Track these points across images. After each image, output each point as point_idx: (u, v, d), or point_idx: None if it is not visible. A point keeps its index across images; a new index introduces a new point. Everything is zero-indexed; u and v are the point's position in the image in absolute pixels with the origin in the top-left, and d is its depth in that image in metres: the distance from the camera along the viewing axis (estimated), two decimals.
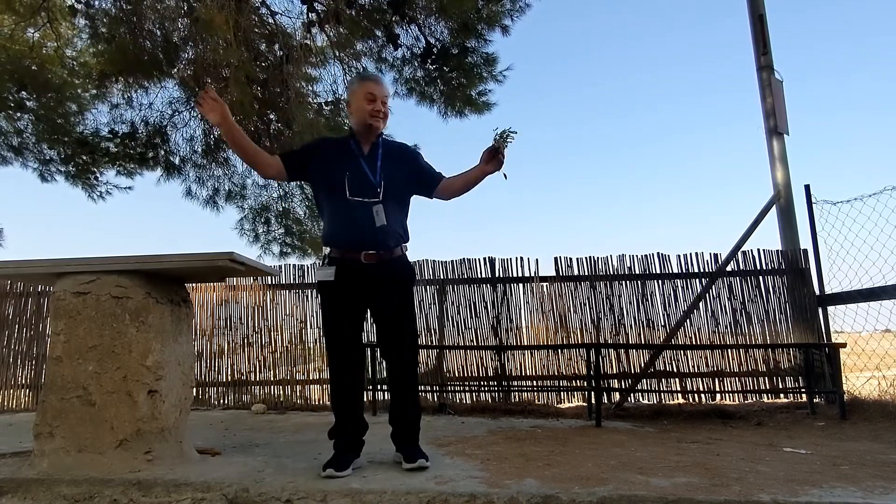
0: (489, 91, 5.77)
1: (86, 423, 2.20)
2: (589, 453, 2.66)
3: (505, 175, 2.42)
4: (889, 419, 3.62)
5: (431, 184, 2.52)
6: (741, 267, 5.15)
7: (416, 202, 2.57)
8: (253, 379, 5.26)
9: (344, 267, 2.34)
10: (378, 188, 2.35)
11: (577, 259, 5.25)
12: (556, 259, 5.27)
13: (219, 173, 6.97)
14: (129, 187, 6.90)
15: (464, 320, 5.19)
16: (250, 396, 5.19)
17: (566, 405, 4.90)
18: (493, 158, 2.39)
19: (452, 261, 5.29)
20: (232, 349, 5.32)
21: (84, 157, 6.50)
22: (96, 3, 5.45)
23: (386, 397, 4.84)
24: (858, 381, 4.39)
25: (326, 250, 2.41)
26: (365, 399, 2.95)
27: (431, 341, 5.14)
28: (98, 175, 6.74)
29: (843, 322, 4.71)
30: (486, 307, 5.21)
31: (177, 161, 6.73)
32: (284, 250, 7.19)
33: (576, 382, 4.94)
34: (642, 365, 4.96)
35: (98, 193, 6.85)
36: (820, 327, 4.89)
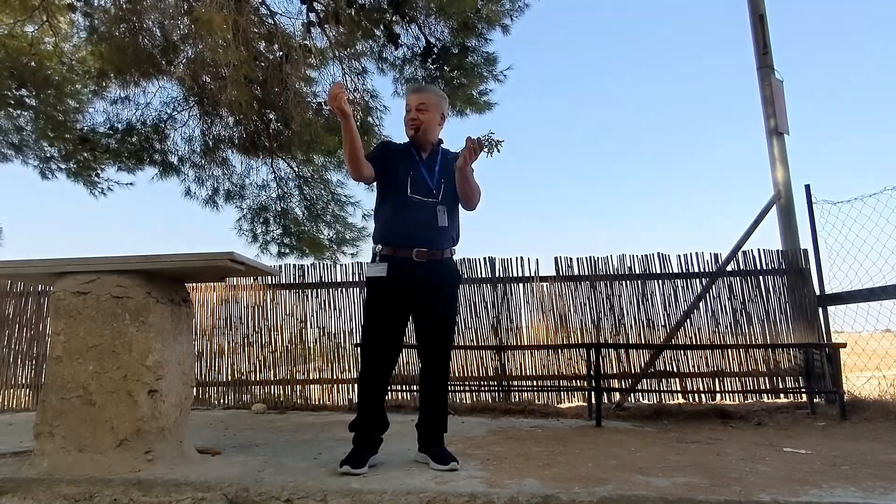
0: (490, 90, 5.79)
1: (86, 423, 2.20)
2: (589, 453, 2.66)
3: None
4: (889, 419, 3.63)
5: None
6: (741, 267, 5.14)
7: None
8: (253, 378, 5.26)
9: (395, 265, 2.38)
10: (436, 190, 2.44)
11: (578, 259, 5.25)
12: (556, 259, 5.28)
13: (217, 173, 6.98)
14: (131, 183, 6.91)
15: (464, 320, 5.19)
16: (250, 396, 5.19)
17: (566, 405, 4.90)
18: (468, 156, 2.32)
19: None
20: (232, 349, 5.32)
21: (85, 154, 6.50)
22: (95, 1, 5.45)
23: (388, 396, 4.86)
24: (859, 381, 4.39)
25: (379, 247, 2.45)
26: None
27: None
28: (99, 171, 6.74)
29: (843, 322, 4.73)
30: (486, 307, 5.21)
31: (174, 160, 6.73)
32: (282, 250, 7.20)
33: (576, 382, 4.94)
34: (642, 365, 4.96)
35: (100, 189, 6.86)
36: (820, 327, 4.89)
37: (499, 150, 2.28)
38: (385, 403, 2.53)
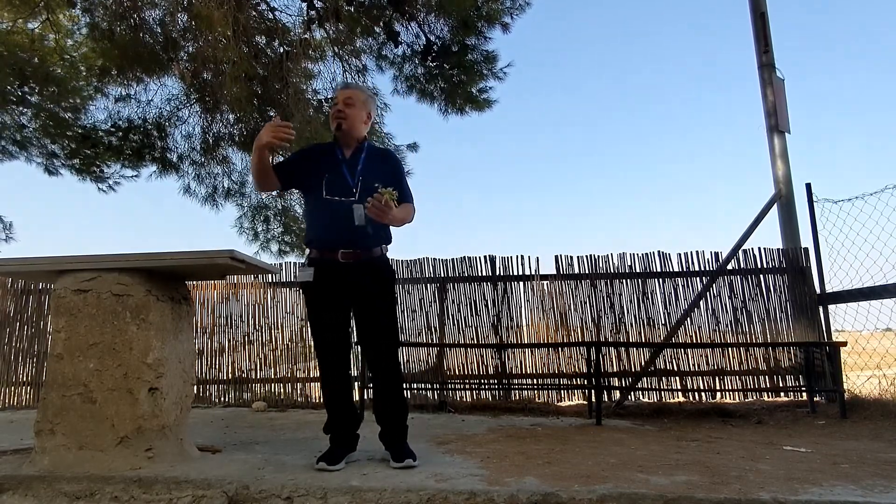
0: (490, 88, 5.78)
1: (87, 421, 2.21)
2: (589, 451, 2.66)
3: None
4: (889, 418, 3.62)
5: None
6: (742, 265, 5.14)
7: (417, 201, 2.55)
8: (253, 376, 5.26)
9: (322, 267, 2.37)
10: (354, 189, 2.38)
11: (578, 257, 5.25)
12: (556, 257, 5.27)
13: (217, 171, 6.98)
14: (136, 175, 6.92)
15: (464, 318, 5.19)
16: (251, 394, 5.20)
17: (566, 403, 4.91)
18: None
19: (453, 259, 5.29)
20: (233, 347, 5.32)
21: (88, 151, 6.51)
22: None
23: None
24: (859, 379, 4.39)
25: (307, 251, 2.46)
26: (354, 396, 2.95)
27: (432, 339, 5.14)
28: (104, 168, 6.75)
29: (843, 321, 4.72)
30: (486, 305, 5.21)
31: (174, 158, 6.73)
32: (283, 248, 7.20)
33: (576, 381, 4.94)
34: (643, 363, 4.96)
35: (108, 185, 6.87)
36: (821, 326, 4.89)
37: (395, 202, 2.24)
38: (354, 401, 2.53)
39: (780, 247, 5.26)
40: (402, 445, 2.36)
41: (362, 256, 2.38)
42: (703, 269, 5.15)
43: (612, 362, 4.98)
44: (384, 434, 2.44)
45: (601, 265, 5.23)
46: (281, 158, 2.80)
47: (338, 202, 2.37)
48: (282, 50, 5.35)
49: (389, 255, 2.54)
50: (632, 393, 4.89)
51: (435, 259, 5.30)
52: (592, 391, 4.11)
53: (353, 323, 2.49)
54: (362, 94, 2.54)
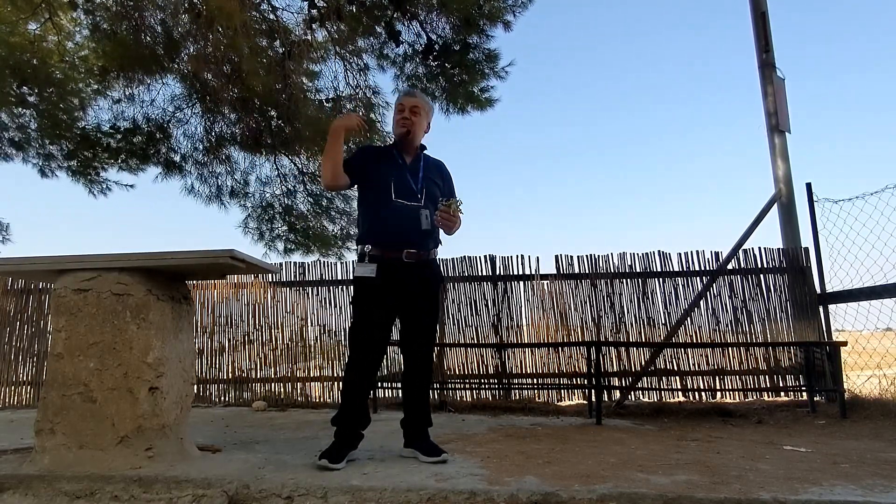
0: (491, 87, 5.76)
1: (87, 420, 2.21)
2: (589, 451, 2.66)
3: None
4: (889, 418, 3.62)
5: None
6: (742, 265, 5.14)
7: None
8: (254, 376, 5.26)
9: (384, 265, 2.44)
10: (419, 195, 2.53)
11: (578, 257, 5.26)
12: (556, 257, 5.28)
13: (221, 171, 6.98)
14: (132, 185, 6.92)
15: (464, 318, 5.19)
16: (251, 393, 5.20)
17: (567, 403, 4.91)
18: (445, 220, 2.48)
19: (453, 258, 5.30)
20: (233, 346, 5.33)
21: (86, 153, 6.50)
22: None
23: (385, 394, 4.87)
24: (859, 379, 4.39)
25: (367, 248, 2.48)
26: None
27: None
28: (100, 171, 6.75)
29: (843, 320, 4.72)
30: (486, 305, 5.21)
31: (177, 158, 6.73)
32: (289, 247, 7.20)
33: (576, 380, 4.94)
34: (643, 363, 4.96)
35: (99, 189, 6.86)
36: (821, 326, 4.89)
37: (462, 212, 2.47)
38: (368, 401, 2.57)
39: (781, 246, 5.26)
40: (430, 441, 2.46)
41: (423, 257, 2.50)
42: (703, 268, 5.15)
43: (612, 362, 4.98)
44: (414, 432, 2.50)
45: (601, 265, 5.23)
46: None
47: (405, 205, 2.49)
48: (283, 50, 5.34)
49: None
50: (632, 392, 4.89)
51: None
52: (592, 391, 4.11)
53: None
54: (427, 104, 2.65)
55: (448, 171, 2.75)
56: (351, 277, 5.35)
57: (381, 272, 2.43)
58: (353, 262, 2.56)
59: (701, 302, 5.06)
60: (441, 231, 2.58)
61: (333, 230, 7.19)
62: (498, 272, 5.27)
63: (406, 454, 2.47)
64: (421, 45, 5.58)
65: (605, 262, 5.23)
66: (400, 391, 4.95)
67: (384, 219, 2.48)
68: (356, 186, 2.63)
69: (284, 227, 7.18)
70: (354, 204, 7.12)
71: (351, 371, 2.45)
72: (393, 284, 2.44)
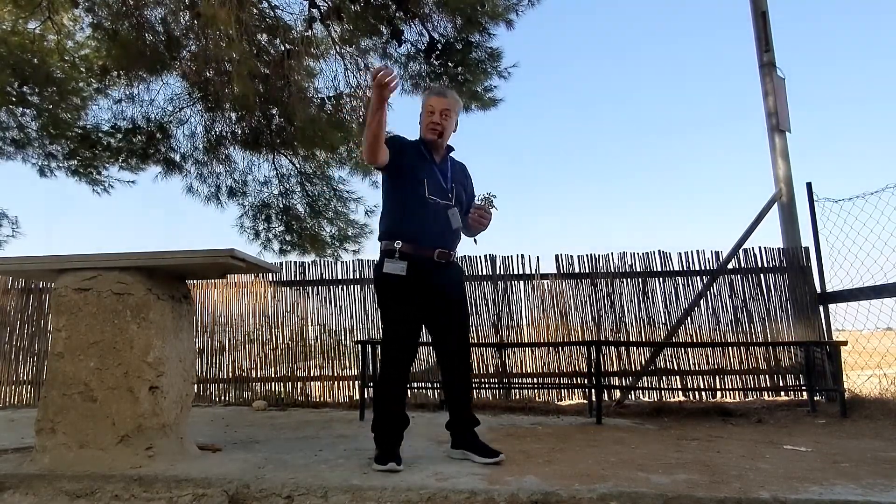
0: (495, 87, 5.76)
1: (87, 419, 2.21)
2: (589, 450, 2.66)
3: (475, 241, 2.72)
4: (889, 417, 3.62)
5: (467, 211, 2.61)
6: (742, 265, 5.14)
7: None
8: (254, 375, 5.26)
9: (415, 262, 2.38)
10: (450, 194, 2.51)
11: (579, 256, 5.25)
12: (557, 256, 5.27)
13: (220, 170, 6.98)
14: (133, 181, 6.93)
15: None
16: (251, 393, 5.20)
17: (567, 402, 4.90)
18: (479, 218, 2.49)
19: None
20: (233, 345, 5.32)
21: (86, 153, 6.51)
22: None
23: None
24: (859, 379, 4.38)
25: (397, 244, 2.38)
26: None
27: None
28: (101, 170, 6.75)
29: (843, 320, 4.72)
30: (487, 304, 5.20)
31: (177, 158, 6.74)
32: (284, 248, 7.20)
33: (576, 380, 4.94)
34: (643, 362, 4.96)
35: (102, 187, 6.88)
36: (821, 325, 4.88)
37: (495, 207, 2.49)
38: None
39: (781, 246, 5.25)
40: (484, 443, 2.41)
41: (451, 258, 2.49)
42: (703, 268, 5.14)
43: (612, 361, 4.98)
44: (468, 434, 2.44)
45: (601, 264, 5.22)
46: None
47: (437, 203, 2.45)
48: (283, 49, 5.34)
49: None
50: (632, 392, 4.89)
51: None
52: (593, 390, 4.11)
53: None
54: (458, 104, 2.59)
55: (469, 173, 2.72)
56: (352, 277, 5.36)
57: (411, 270, 2.36)
58: (378, 259, 2.47)
59: (701, 301, 5.06)
60: (461, 231, 2.56)
61: (332, 231, 7.19)
62: (498, 271, 5.27)
63: (456, 455, 2.42)
64: (423, 44, 5.57)
65: (606, 261, 5.23)
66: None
67: (419, 216, 2.41)
68: (386, 175, 2.53)
69: (281, 228, 7.19)
70: (352, 206, 7.12)
71: (387, 373, 2.38)
72: (421, 284, 2.38)
